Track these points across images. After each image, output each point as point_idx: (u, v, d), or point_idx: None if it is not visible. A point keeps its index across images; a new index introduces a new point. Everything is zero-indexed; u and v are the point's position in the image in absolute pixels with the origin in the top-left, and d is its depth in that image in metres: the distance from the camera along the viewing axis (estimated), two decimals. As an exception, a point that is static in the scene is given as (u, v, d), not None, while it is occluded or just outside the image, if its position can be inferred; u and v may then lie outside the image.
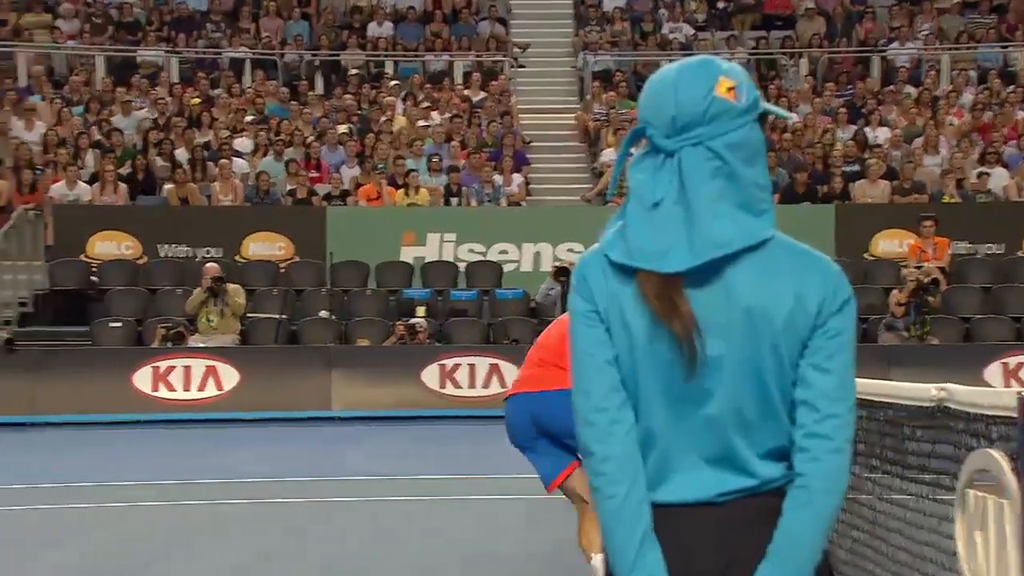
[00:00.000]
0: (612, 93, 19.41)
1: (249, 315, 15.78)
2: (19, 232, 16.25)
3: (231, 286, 15.03)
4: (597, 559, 5.00)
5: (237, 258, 16.88)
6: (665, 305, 2.10)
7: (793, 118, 17.88)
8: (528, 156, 19.04)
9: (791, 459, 2.14)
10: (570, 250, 16.43)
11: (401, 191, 17.64)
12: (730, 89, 2.16)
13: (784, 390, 2.13)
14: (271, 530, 7.60)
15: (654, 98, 2.18)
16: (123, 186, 17.62)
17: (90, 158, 18.34)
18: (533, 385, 4.90)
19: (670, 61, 2.29)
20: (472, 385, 14.23)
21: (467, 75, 20.68)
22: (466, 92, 20.11)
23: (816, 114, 18.88)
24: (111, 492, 8.52)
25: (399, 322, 14.98)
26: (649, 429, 2.14)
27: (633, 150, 2.23)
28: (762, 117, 2.21)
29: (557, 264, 15.84)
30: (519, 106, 20.01)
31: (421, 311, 15.67)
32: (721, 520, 2.12)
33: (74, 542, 7.10)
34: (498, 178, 17.97)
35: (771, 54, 21.03)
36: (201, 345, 14.53)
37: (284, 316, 15.51)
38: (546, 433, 4.87)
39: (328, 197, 17.81)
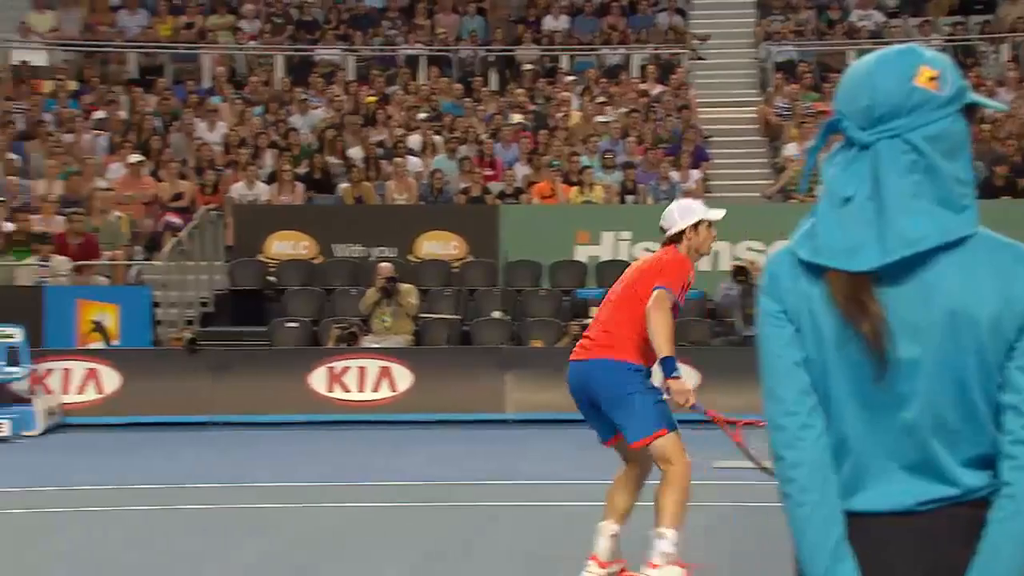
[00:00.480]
0: (795, 85, 19.04)
1: (422, 315, 16.03)
2: (201, 232, 16.85)
3: (404, 286, 15.28)
4: (607, 527, 5.62)
5: (410, 257, 17.15)
6: (853, 305, 2.06)
7: (1003, 108, 17.22)
8: (707, 151, 18.84)
9: (996, 467, 2.09)
10: (750, 249, 16.20)
11: (575, 188, 17.68)
12: (932, 79, 2.11)
13: (988, 394, 2.08)
14: (441, 533, 7.74)
15: (850, 88, 2.15)
16: (300, 185, 18.13)
17: (268, 158, 18.93)
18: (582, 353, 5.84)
19: (858, 51, 2.25)
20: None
21: (644, 68, 20.61)
22: (643, 86, 20.04)
23: (1020, 103, 18.20)
24: (287, 493, 8.77)
25: (572, 323, 15.05)
26: (842, 435, 2.10)
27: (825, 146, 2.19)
28: (969, 108, 2.16)
29: (736, 263, 15.63)
30: (698, 100, 19.85)
31: (595, 312, 15.68)
32: (921, 530, 2.07)
33: (253, 541, 7.36)
34: (675, 174, 17.83)
35: (969, 40, 20.34)
36: (375, 346, 14.84)
37: (457, 316, 15.74)
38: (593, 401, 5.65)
39: (501, 195, 17.98)
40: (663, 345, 5.77)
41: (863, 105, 2.11)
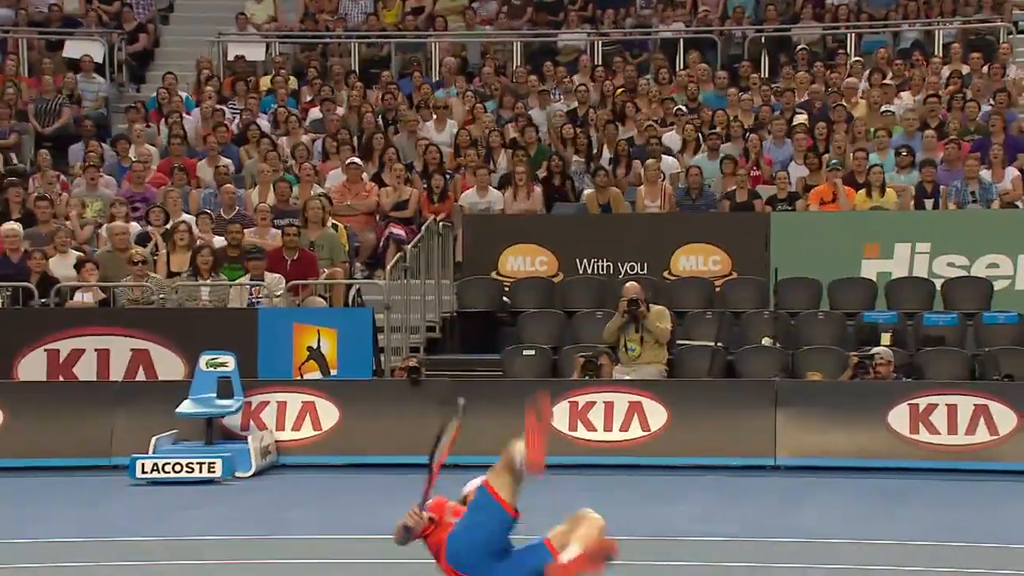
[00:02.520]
0: None
1: (679, 342, 16.17)
2: (428, 246, 17.36)
3: (654, 308, 15.41)
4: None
5: (665, 275, 17.25)
6: None
7: None
8: (1027, 145, 18.34)
9: None
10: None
11: (862, 192, 17.46)
12: None
13: None
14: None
15: None
16: (537, 191, 18.47)
17: (503, 159, 19.40)
18: None
19: None
20: (953, 431, 13.92)
21: (948, 47, 20.25)
22: (947, 69, 19.68)
23: None
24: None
25: (857, 352, 14.94)
26: None
27: None
28: None
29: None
30: (1019, 82, 19.33)
31: (886, 338, 15.51)
32: None
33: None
34: (986, 174, 17.44)
35: None
36: (624, 377, 15.12)
37: (719, 344, 15.86)
38: None
39: (773, 201, 17.95)
40: None
41: None
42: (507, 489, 6.52)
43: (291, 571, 8.61)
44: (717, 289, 17.00)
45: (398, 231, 18.02)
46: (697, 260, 17.21)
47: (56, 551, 9.58)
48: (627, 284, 15.62)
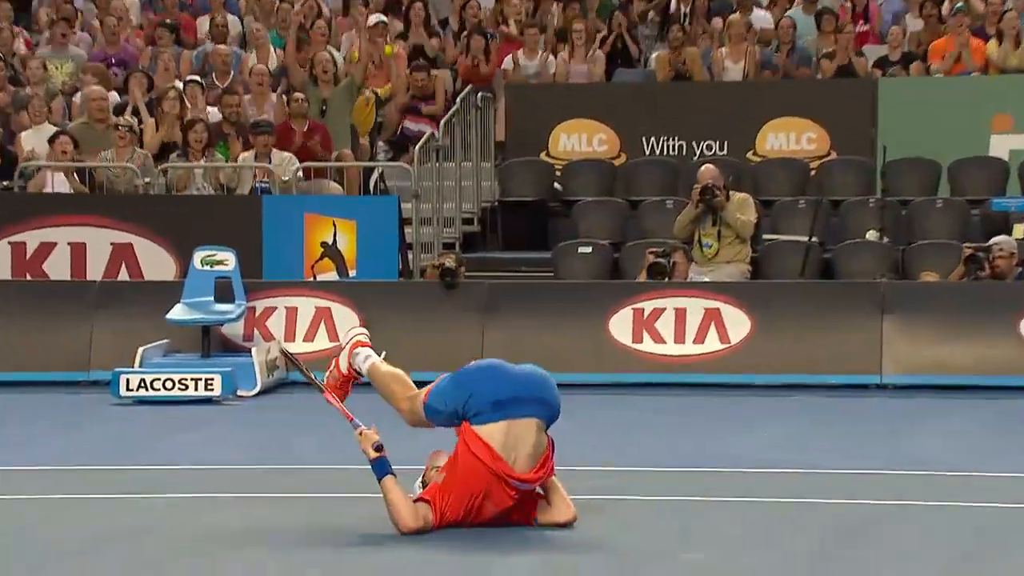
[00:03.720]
0: None
1: (766, 236, 16.13)
2: (464, 122, 17.40)
3: (736, 196, 15.33)
4: None
5: (750, 155, 17.29)
6: None
7: None
8: None
9: None
10: None
11: (993, 43, 17.19)
12: None
13: None
14: (800, 535, 7.98)
15: None
16: (599, 54, 18.41)
17: (555, 14, 19.28)
18: None
19: None
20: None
21: None
22: None
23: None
24: (584, 479, 9.16)
25: (967, 244, 14.80)
26: None
27: None
28: None
29: None
30: None
31: (1019, 230, 15.40)
32: None
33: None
34: None
35: None
36: (700, 279, 15.08)
37: (813, 239, 15.79)
38: None
39: (882, 63, 17.79)
40: None
41: None
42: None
43: (303, 507, 8.71)
44: (812, 172, 16.98)
45: (414, 125, 17.90)
46: (788, 137, 17.15)
47: (28, 481, 9.70)
48: (703, 167, 15.57)
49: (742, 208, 15.30)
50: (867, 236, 15.95)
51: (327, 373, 8.35)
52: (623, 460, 10.55)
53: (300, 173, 16.20)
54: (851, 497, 9.12)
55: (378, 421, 8.04)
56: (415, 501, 7.74)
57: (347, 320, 14.59)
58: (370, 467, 7.72)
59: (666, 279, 14.79)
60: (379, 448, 7.70)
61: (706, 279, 15.05)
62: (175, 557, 7.42)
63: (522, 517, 7.84)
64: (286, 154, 16.23)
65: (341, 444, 11.31)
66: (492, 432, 7.64)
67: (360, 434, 7.78)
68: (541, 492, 7.88)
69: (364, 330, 8.55)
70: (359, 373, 8.27)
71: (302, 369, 8.50)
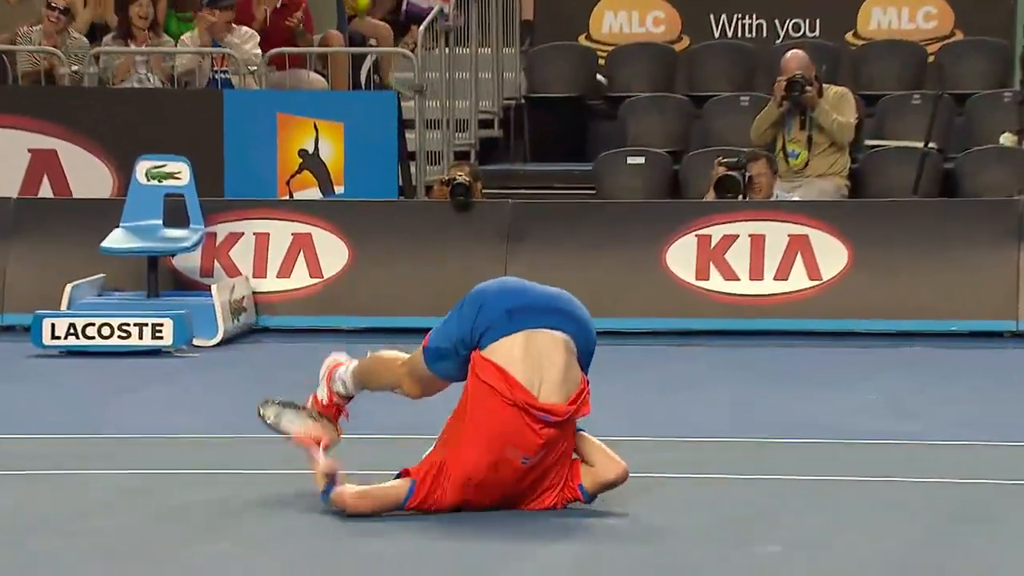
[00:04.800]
0: None
1: (870, 142, 16.08)
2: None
3: (831, 91, 15.26)
4: None
5: (849, 38, 17.25)
6: None
7: None
8: None
9: None
10: None
11: None
12: None
13: None
14: (906, 522, 7.99)
15: None
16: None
17: None
18: None
19: None
20: None
21: None
22: None
23: None
24: (630, 452, 9.15)
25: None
26: None
27: None
28: None
29: None
30: None
31: None
32: None
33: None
34: None
35: None
36: (784, 197, 14.99)
37: (931, 145, 15.72)
38: None
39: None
40: None
41: None
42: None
43: (277, 484, 8.74)
44: (931, 59, 16.87)
45: (423, 3, 17.84)
46: (899, 14, 17.16)
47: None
48: (788, 54, 15.52)
49: (838, 106, 15.25)
50: (1001, 141, 15.87)
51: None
52: (680, 428, 10.53)
53: (270, 63, 16.16)
54: (975, 475, 9.09)
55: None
56: (397, 476, 7.70)
57: (332, 250, 14.62)
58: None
59: (740, 197, 14.74)
60: (332, 478, 7.70)
61: (793, 197, 15.01)
62: (121, 550, 7.34)
63: (558, 497, 7.72)
64: (246, 29, 16.16)
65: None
66: (508, 350, 7.50)
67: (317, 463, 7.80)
68: (577, 457, 7.75)
69: (340, 356, 8.38)
70: (344, 396, 8.22)
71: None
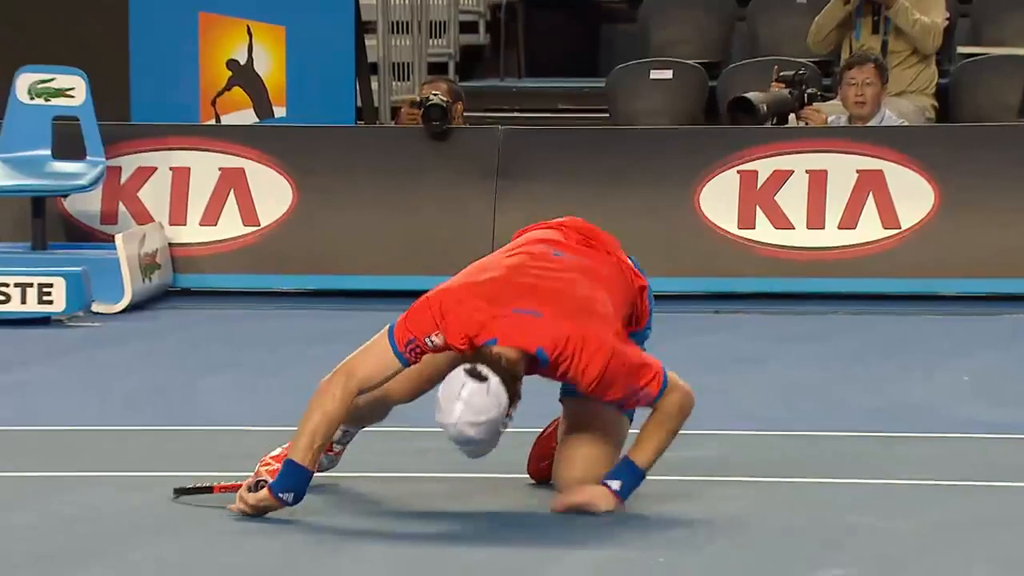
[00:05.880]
0: None
1: (962, 49, 16.13)
2: None
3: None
4: None
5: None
6: None
7: None
8: None
9: None
10: None
11: None
12: None
13: None
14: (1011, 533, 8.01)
15: None
16: None
17: None
18: None
19: None
20: None
21: None
22: None
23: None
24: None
25: None
26: None
27: None
28: None
29: None
30: None
31: None
32: None
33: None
34: None
35: None
36: (842, 123, 14.99)
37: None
38: None
39: None
40: None
41: None
42: None
43: (180, 516, 8.72)
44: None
45: None
46: None
47: None
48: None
49: (922, 2, 15.33)
50: None
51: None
52: (722, 418, 10.45)
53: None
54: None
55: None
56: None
57: (271, 190, 14.63)
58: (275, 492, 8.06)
59: (798, 122, 14.77)
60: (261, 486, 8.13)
61: (862, 123, 14.98)
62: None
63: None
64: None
65: (267, 386, 11.36)
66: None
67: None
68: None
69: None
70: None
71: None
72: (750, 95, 14.51)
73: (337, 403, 8.00)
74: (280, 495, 8.00)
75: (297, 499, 8.01)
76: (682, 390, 8.19)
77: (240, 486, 8.14)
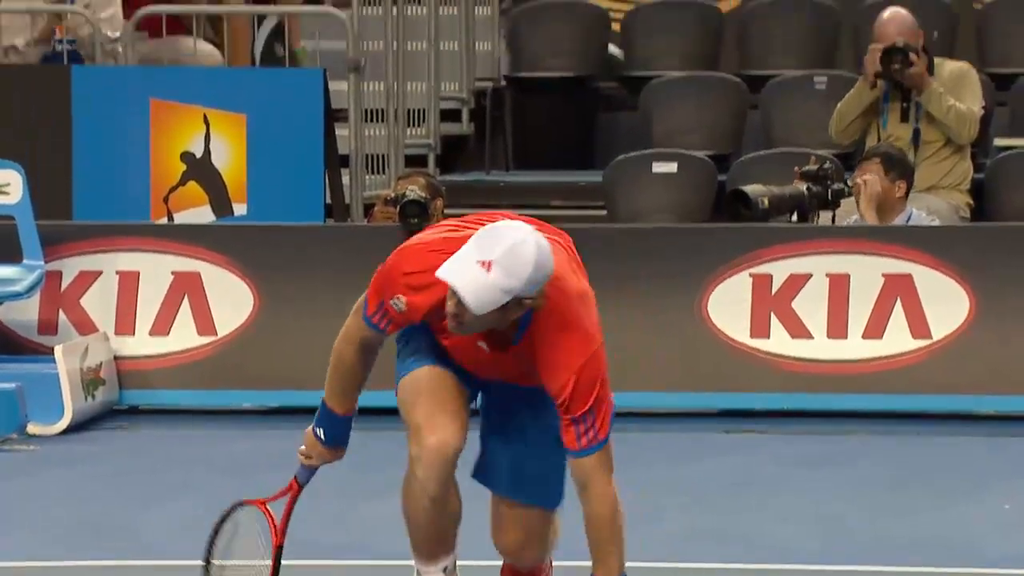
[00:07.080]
0: None
1: (1000, 143, 16.17)
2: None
3: (948, 66, 15.47)
4: None
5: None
6: None
7: None
8: None
9: None
10: None
11: None
12: None
13: None
14: None
15: None
16: None
17: None
18: None
19: None
20: None
21: None
22: None
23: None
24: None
25: None
26: None
27: None
28: None
29: None
30: None
31: None
32: None
33: None
34: None
35: None
36: (867, 222, 14.93)
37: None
38: None
39: None
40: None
41: None
42: None
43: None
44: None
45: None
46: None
47: None
48: (885, 14, 15.74)
49: (956, 88, 15.42)
50: None
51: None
52: (738, 551, 10.60)
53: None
54: None
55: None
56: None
57: (230, 296, 14.69)
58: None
59: (819, 220, 14.80)
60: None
61: (887, 222, 14.97)
62: None
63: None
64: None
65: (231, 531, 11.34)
66: None
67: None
68: None
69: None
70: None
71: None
72: (747, 188, 14.55)
73: (350, 345, 8.89)
74: (315, 431, 8.70)
75: (333, 441, 8.72)
76: (614, 488, 8.01)
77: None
